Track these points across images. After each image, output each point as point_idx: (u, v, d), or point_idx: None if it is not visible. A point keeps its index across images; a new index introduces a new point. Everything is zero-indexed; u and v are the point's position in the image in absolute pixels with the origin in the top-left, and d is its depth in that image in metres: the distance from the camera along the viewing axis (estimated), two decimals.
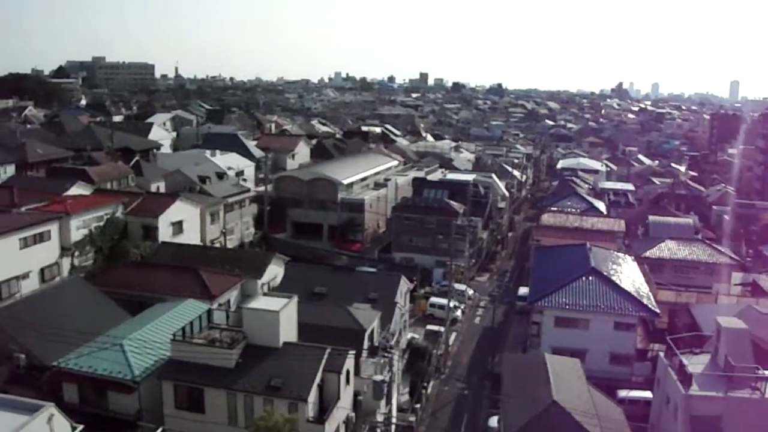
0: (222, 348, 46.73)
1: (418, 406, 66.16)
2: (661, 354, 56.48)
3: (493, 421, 63.74)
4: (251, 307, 48.70)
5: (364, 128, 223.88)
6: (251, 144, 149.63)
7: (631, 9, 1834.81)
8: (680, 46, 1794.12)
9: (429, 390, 70.98)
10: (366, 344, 54.59)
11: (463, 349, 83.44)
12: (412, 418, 64.33)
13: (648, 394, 66.19)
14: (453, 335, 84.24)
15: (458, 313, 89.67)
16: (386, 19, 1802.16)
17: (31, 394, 45.17)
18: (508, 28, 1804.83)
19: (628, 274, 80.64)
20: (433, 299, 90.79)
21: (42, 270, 73.66)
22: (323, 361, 46.14)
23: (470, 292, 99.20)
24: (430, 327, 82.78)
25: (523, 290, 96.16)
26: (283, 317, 47.87)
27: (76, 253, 78.85)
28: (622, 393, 65.32)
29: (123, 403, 46.82)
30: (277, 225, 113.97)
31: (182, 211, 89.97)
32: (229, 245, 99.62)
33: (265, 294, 51.84)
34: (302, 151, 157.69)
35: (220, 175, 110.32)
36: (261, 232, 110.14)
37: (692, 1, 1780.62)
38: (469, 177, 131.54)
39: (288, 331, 48.70)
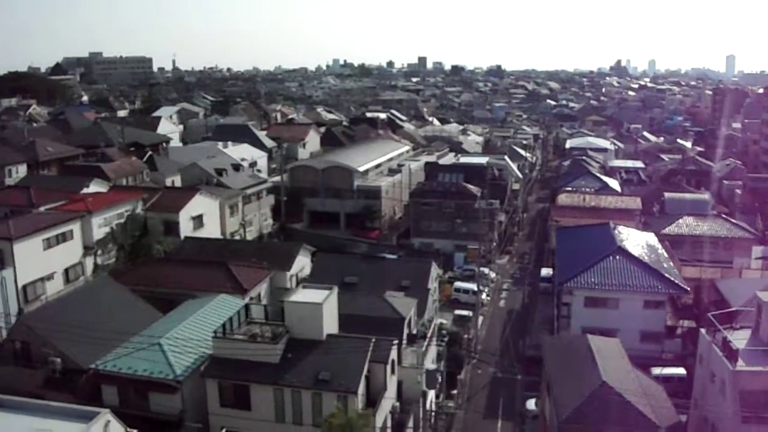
0: (266, 343, 46.03)
1: (455, 392, 65.60)
2: (703, 330, 55.70)
3: (531, 404, 63.58)
4: (293, 300, 47.98)
5: (369, 114, 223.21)
6: (262, 134, 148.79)
7: None
8: (675, 22, 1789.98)
9: (463, 375, 70.46)
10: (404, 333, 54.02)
11: (491, 333, 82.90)
12: (451, 404, 63.80)
13: (681, 370, 65.91)
14: (480, 319, 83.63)
15: (483, 296, 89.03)
16: (381, 4, 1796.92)
17: (69, 398, 44.68)
18: (503, 10, 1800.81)
19: (653, 252, 80.00)
20: (458, 284, 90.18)
21: (66, 270, 73.01)
22: (369, 352, 45.51)
23: (492, 275, 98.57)
24: (458, 312, 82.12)
25: (545, 271, 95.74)
26: (326, 309, 47.26)
27: (99, 252, 78.15)
28: (656, 371, 64.70)
29: (165, 403, 46.15)
30: (293, 215, 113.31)
31: (202, 204, 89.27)
32: (248, 237, 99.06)
33: (304, 286, 50.92)
34: (312, 140, 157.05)
35: (236, 167, 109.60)
36: (278, 223, 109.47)
37: None
38: (483, 160, 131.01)
39: (330, 323, 48.08)
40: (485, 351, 77.53)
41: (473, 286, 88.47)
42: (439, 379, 52.71)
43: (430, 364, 52.61)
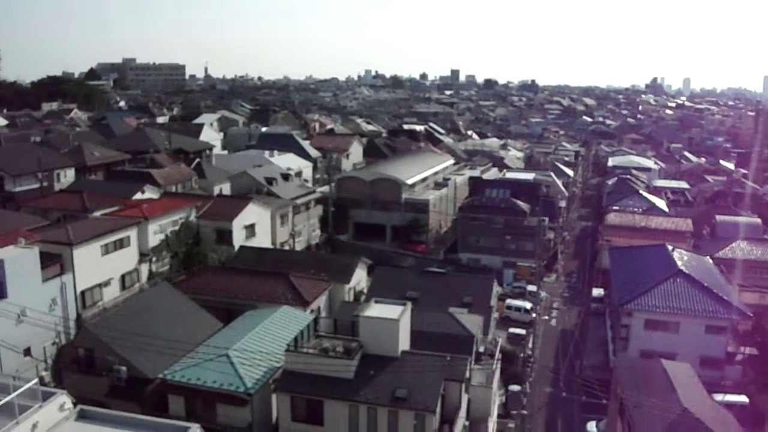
0: (342, 358, 45.28)
1: (514, 412, 64.62)
2: None
3: (592, 426, 62.50)
4: (369, 315, 47.20)
5: (406, 126, 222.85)
6: (306, 144, 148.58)
7: (661, 3, 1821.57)
8: (711, 40, 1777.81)
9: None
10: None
11: (545, 352, 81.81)
12: (512, 425, 62.86)
13: (743, 398, 64.74)
14: (531, 337, 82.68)
15: (534, 315, 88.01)
16: (413, 16, 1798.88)
17: (134, 407, 44.29)
18: (537, 24, 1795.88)
19: (711, 276, 78.99)
20: (510, 301, 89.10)
21: (123, 277, 72.86)
22: (446, 370, 44.72)
23: (542, 293, 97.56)
24: (512, 330, 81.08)
25: (596, 291, 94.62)
26: (402, 325, 46.50)
27: (154, 259, 77.89)
28: (718, 397, 63.44)
29: (234, 416, 45.65)
30: (339, 226, 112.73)
31: (254, 213, 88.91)
32: (297, 248, 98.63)
33: (376, 301, 50.15)
34: (356, 151, 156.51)
35: (286, 177, 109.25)
36: (326, 234, 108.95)
37: None
38: (529, 176, 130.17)
39: (404, 339, 47.32)
40: (540, 370, 76.49)
41: (526, 304, 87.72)
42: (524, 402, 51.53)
43: (513, 386, 51.49)
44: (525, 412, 64.19)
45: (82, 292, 66.34)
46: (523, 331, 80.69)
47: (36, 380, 33.52)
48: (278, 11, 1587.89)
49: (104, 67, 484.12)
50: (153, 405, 47.12)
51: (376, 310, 48.38)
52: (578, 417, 66.54)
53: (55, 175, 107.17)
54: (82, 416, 33.19)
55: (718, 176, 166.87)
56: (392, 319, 46.39)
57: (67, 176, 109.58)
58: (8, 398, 30.49)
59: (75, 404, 33.78)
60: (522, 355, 74.13)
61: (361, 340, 46.57)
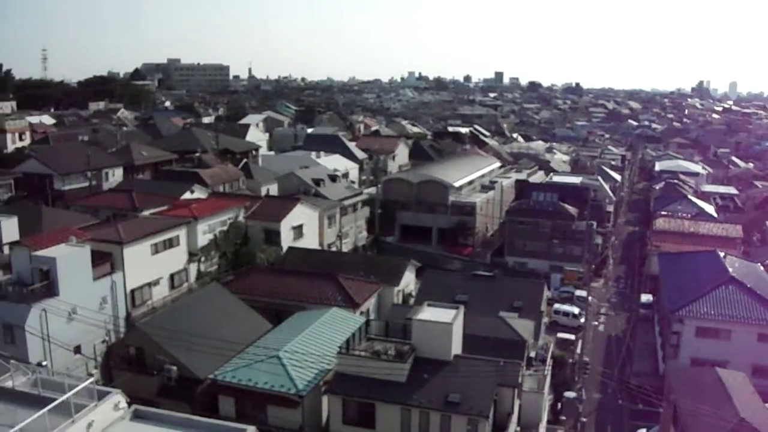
0: (394, 361, 44.93)
1: (563, 417, 63.96)
2: None
3: None
4: (422, 318, 46.82)
5: (451, 129, 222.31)
6: (352, 145, 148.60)
7: (708, 5, 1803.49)
8: (758, 43, 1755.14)
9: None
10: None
11: (593, 358, 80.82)
12: (560, 430, 62.19)
13: None
14: (579, 343, 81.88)
15: (582, 320, 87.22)
16: (458, 18, 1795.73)
17: (185, 407, 44.26)
18: (581, 26, 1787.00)
19: (763, 283, 77.51)
20: (558, 306, 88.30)
21: (172, 276, 72.94)
22: (499, 375, 44.26)
23: (590, 298, 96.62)
24: (561, 335, 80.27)
25: (645, 297, 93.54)
26: (455, 329, 46.10)
27: (202, 259, 78.06)
28: None
29: (285, 417, 45.51)
30: (385, 228, 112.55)
31: (302, 214, 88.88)
32: (344, 249, 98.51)
33: (429, 304, 49.79)
34: (401, 153, 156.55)
35: (333, 178, 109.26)
36: (372, 236, 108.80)
37: None
38: (576, 180, 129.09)
39: (457, 344, 46.90)
40: (589, 376, 75.65)
41: (574, 309, 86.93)
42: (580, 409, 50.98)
43: (569, 393, 50.95)
44: (584, 419, 63.57)
45: (132, 291, 66.48)
46: (572, 336, 79.93)
47: (92, 379, 33.52)
48: (322, 12, 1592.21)
49: (149, 68, 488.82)
50: (203, 405, 47.19)
51: (429, 313, 48.02)
52: (628, 424, 65.74)
53: (103, 174, 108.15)
54: (137, 416, 33.17)
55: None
56: (446, 322, 46.01)
57: (115, 175, 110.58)
58: (64, 397, 30.56)
59: (129, 404, 33.79)
60: (571, 360, 73.36)
61: (414, 343, 46.21)
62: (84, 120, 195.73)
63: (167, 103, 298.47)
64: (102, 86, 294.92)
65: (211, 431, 32.61)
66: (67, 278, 57.42)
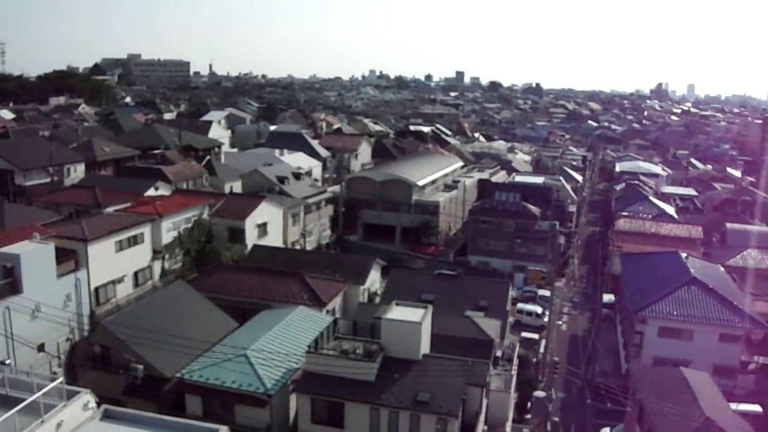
0: (363, 360, 44.97)
1: (528, 416, 64.36)
2: None
3: None
4: (391, 317, 46.89)
5: (413, 128, 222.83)
6: (315, 143, 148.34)
7: (665, 8, 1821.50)
8: (716, 47, 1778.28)
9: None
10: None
11: (555, 358, 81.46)
12: (526, 430, 62.56)
13: (757, 407, 64.39)
14: (542, 342, 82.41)
15: (545, 319, 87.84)
16: (419, 17, 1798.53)
17: (151, 406, 44.00)
18: (541, 27, 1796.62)
19: (724, 284, 78.67)
20: (521, 305, 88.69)
21: (136, 274, 72.60)
22: (467, 374, 44.45)
23: (552, 297, 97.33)
24: (525, 334, 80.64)
25: (607, 297, 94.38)
26: (424, 328, 46.22)
27: (167, 257, 77.59)
28: (732, 406, 63.13)
29: (252, 416, 45.25)
30: (349, 227, 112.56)
31: (267, 212, 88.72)
32: (308, 247, 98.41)
33: (397, 303, 49.88)
34: (364, 151, 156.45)
35: (297, 176, 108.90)
36: (336, 234, 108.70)
37: (727, 1, 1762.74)
38: (539, 180, 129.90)
39: (425, 343, 47.04)
40: (553, 375, 76.22)
41: (537, 308, 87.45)
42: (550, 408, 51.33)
43: (538, 392, 51.29)
44: (556, 419, 63.98)
45: (96, 289, 66.09)
46: (535, 336, 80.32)
47: (61, 379, 33.19)
48: (283, 8, 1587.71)
49: (109, 62, 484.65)
50: (170, 404, 46.87)
51: (398, 312, 48.11)
52: (591, 423, 66.21)
53: (65, 170, 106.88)
54: (107, 416, 32.89)
55: (726, 184, 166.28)
56: (415, 322, 46.15)
57: (77, 171, 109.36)
58: (34, 397, 30.28)
59: (98, 404, 33.52)
60: (535, 359, 73.83)
61: (383, 342, 46.31)
62: (44, 115, 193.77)
63: (128, 99, 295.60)
64: (62, 81, 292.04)
65: (183, 431, 32.41)
66: (30, 275, 56.93)
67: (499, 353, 56.21)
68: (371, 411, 43.42)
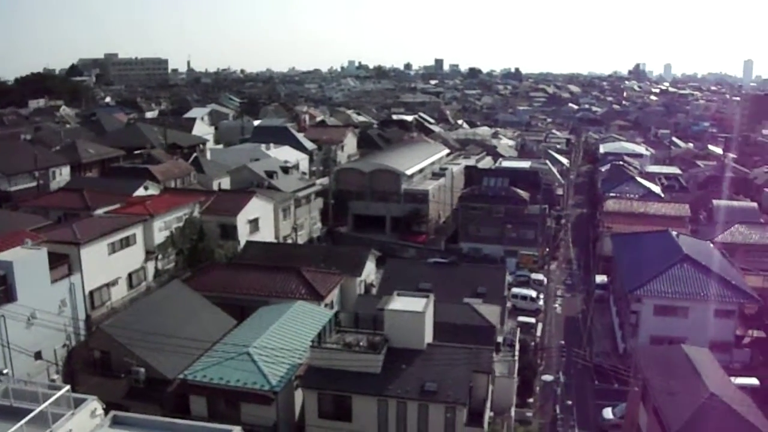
0: (368, 353, 44.84)
1: (530, 400, 64.41)
2: None
3: (608, 413, 62.37)
4: (394, 308, 46.78)
5: (395, 117, 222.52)
6: (301, 136, 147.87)
7: None
8: (691, 26, 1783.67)
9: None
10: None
11: (554, 341, 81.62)
12: (529, 413, 62.54)
13: (754, 380, 64.73)
14: (539, 325, 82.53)
15: (540, 303, 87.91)
16: (396, 6, 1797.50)
17: (155, 409, 43.75)
18: (518, 12, 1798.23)
19: (715, 260, 78.95)
20: (515, 290, 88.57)
21: (130, 275, 72.11)
22: (473, 362, 44.40)
23: (545, 280, 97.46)
24: (521, 319, 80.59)
25: (600, 278, 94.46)
26: (427, 318, 46.13)
27: (159, 257, 77.16)
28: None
29: (259, 414, 44.87)
30: (339, 218, 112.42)
31: (258, 208, 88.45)
32: (300, 241, 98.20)
33: (398, 293, 49.76)
34: (350, 142, 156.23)
35: (285, 170, 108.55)
36: (326, 227, 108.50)
37: None
38: (525, 164, 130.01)
39: (429, 332, 46.96)
40: (549, 358, 76.31)
41: (531, 293, 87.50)
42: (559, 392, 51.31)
43: (546, 376, 51.27)
44: (569, 402, 64.03)
45: (91, 293, 65.53)
46: (532, 320, 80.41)
47: (67, 387, 32.90)
48: (259, 2, 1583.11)
49: (86, 63, 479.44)
50: (174, 406, 46.50)
51: (400, 302, 48.03)
52: (593, 403, 66.33)
53: (50, 174, 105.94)
54: (116, 422, 32.78)
55: (708, 161, 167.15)
56: (418, 311, 46.09)
57: (62, 174, 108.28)
58: (41, 407, 30.02)
59: (105, 410, 33.27)
60: (533, 343, 73.88)
61: (386, 333, 46.20)
62: (24, 118, 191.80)
63: (107, 99, 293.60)
64: (40, 83, 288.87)
65: None
66: (24, 282, 56.08)
67: (500, 339, 56.11)
68: (379, 403, 43.35)
